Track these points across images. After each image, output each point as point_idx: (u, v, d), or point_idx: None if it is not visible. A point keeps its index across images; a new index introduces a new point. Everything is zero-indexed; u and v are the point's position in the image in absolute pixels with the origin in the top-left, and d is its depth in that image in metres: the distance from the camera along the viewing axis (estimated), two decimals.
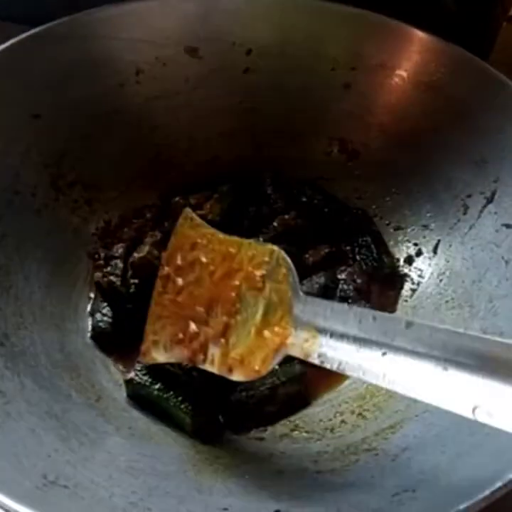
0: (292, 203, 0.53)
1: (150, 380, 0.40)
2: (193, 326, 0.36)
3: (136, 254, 0.47)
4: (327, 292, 0.48)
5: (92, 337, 0.45)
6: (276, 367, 0.42)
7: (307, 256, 0.51)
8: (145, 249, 0.47)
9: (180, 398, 0.39)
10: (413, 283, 0.50)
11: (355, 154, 0.55)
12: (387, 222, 0.53)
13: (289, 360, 0.43)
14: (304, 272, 0.49)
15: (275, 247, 0.37)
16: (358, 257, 0.52)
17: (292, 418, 0.42)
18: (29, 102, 0.47)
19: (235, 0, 0.52)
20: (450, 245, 0.48)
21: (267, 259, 0.36)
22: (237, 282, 0.35)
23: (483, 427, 0.33)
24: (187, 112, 0.54)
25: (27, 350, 0.40)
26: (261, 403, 0.41)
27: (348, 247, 0.53)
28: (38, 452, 0.32)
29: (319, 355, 0.32)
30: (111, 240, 0.50)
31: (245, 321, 0.34)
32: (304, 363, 0.43)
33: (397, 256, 0.51)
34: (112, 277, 0.46)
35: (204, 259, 0.37)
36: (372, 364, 0.30)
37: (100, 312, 0.46)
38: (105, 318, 0.45)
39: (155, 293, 0.40)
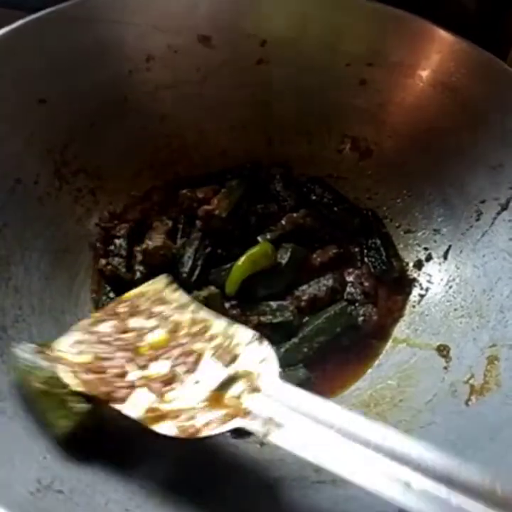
0: (302, 201, 0.52)
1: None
2: (127, 364, 0.34)
3: (150, 242, 0.46)
4: (334, 294, 0.47)
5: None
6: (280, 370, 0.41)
7: (315, 256, 0.50)
8: (160, 239, 0.46)
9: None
10: (422, 288, 0.49)
11: (368, 153, 0.53)
12: (397, 224, 0.52)
13: (294, 363, 0.43)
14: (312, 273, 0.48)
15: (264, 347, 0.36)
16: (366, 260, 0.51)
17: None
18: (35, 87, 0.46)
19: None
20: (461, 251, 0.47)
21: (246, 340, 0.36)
22: (203, 346, 0.35)
23: (489, 441, 0.33)
24: (197, 102, 0.53)
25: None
26: None
27: (356, 249, 0.52)
28: (33, 454, 0.31)
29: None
30: (114, 226, 0.49)
31: (197, 382, 0.33)
32: (308, 368, 0.42)
33: (406, 260, 0.50)
34: (115, 263, 0.46)
35: (176, 317, 0.37)
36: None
37: (107, 296, 0.46)
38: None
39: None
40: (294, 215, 0.51)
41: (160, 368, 0.34)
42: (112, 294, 0.45)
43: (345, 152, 0.54)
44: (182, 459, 0.36)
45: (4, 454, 0.30)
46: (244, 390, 0.32)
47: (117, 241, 0.47)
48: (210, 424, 0.31)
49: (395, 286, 0.49)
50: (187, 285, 0.45)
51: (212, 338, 0.36)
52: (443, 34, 0.48)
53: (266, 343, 0.36)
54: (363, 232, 0.52)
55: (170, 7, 0.50)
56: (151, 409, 0.32)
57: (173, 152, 0.53)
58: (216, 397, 0.32)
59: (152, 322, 0.37)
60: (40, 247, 0.44)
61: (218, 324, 0.37)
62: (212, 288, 0.45)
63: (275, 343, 0.43)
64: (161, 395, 0.32)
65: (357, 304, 0.47)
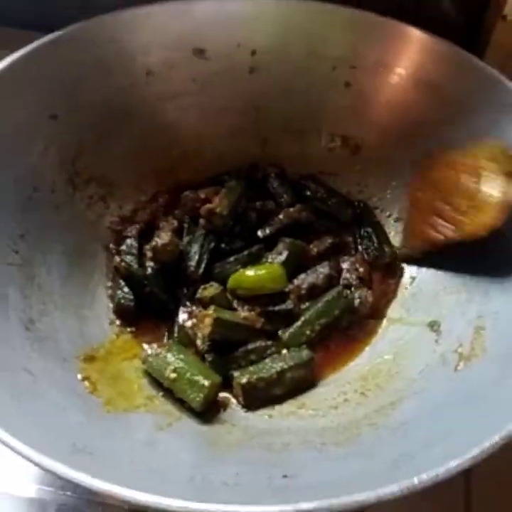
0: (297, 196, 0.56)
1: (165, 358, 0.43)
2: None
3: (158, 240, 0.49)
4: (331, 281, 0.51)
5: (115, 312, 0.48)
6: (285, 352, 0.45)
7: (312, 246, 0.53)
8: (167, 236, 0.50)
9: (195, 377, 0.41)
10: (412, 271, 0.52)
11: (356, 150, 0.57)
12: (387, 213, 0.56)
13: (298, 345, 0.46)
14: (309, 262, 0.52)
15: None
16: (360, 247, 0.55)
17: (299, 397, 0.44)
18: (47, 104, 0.50)
19: (240, 3, 0.55)
20: None
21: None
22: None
23: (475, 401, 0.37)
24: (195, 111, 0.57)
25: (50, 335, 0.43)
26: (269, 386, 0.44)
27: (350, 238, 0.55)
28: (67, 425, 0.35)
29: None
30: (124, 228, 0.53)
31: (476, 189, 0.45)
32: (311, 348, 0.46)
33: (397, 246, 0.54)
34: (128, 260, 0.49)
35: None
36: None
37: (121, 290, 0.49)
38: (127, 296, 0.49)
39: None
40: (291, 210, 0.55)
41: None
42: (125, 289, 0.49)
43: (335, 150, 0.58)
44: (196, 430, 0.40)
45: (43, 425, 0.34)
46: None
47: (128, 241, 0.51)
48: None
49: (387, 270, 0.53)
50: (194, 277, 0.49)
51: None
52: (419, 34, 0.52)
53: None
54: (356, 223, 0.56)
55: (166, 25, 0.54)
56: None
57: (174, 158, 0.57)
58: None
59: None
60: (58, 250, 0.48)
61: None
62: (216, 285, 0.48)
63: (279, 328, 0.48)
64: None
65: (353, 288, 0.51)
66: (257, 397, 0.44)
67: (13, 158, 0.47)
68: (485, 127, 0.50)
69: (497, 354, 0.40)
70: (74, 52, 0.51)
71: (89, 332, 0.46)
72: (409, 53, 0.53)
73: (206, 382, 0.41)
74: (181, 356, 0.43)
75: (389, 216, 0.55)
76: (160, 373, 0.42)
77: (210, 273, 0.51)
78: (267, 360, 0.45)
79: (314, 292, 0.50)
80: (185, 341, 0.47)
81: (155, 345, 0.44)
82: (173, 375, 0.41)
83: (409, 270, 0.52)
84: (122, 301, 0.48)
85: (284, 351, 0.46)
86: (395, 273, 0.53)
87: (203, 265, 0.50)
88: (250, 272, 0.48)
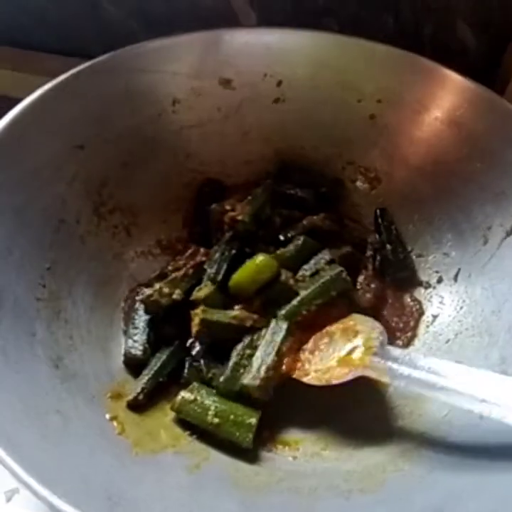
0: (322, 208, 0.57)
1: (203, 404, 0.43)
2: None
3: (146, 291, 0.49)
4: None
5: (124, 362, 0.47)
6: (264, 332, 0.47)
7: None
8: (156, 286, 0.49)
9: (239, 418, 0.42)
10: (434, 309, 0.52)
11: (379, 182, 0.57)
12: (409, 248, 0.56)
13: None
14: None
15: (377, 325, 0.47)
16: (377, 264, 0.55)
17: (322, 436, 0.45)
18: (73, 134, 0.50)
19: (267, 34, 0.55)
20: (470, 274, 0.51)
21: (363, 328, 0.46)
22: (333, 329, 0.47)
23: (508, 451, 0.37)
24: (219, 139, 0.57)
25: (78, 372, 0.43)
26: (275, 370, 0.45)
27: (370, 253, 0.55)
28: (98, 472, 0.35)
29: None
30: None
31: (333, 352, 0.45)
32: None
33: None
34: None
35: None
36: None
37: (132, 339, 0.48)
38: (137, 345, 0.47)
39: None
40: (315, 217, 0.55)
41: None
42: (135, 338, 0.48)
43: (358, 182, 0.58)
44: (225, 473, 0.40)
45: (77, 471, 0.34)
46: (364, 351, 0.44)
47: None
48: (340, 376, 0.43)
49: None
50: (213, 284, 0.49)
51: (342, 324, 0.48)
52: (448, 73, 0.52)
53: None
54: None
55: (193, 55, 0.54)
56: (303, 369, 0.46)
57: (198, 186, 0.58)
58: (345, 359, 0.44)
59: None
60: (84, 281, 0.48)
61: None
62: (210, 285, 0.49)
63: (277, 307, 0.48)
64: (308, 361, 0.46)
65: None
66: (270, 387, 0.45)
67: (40, 190, 0.47)
68: (508, 165, 0.50)
69: None
70: (102, 83, 0.51)
71: (115, 367, 0.46)
72: (437, 91, 0.53)
73: (253, 421, 0.42)
74: (214, 398, 0.43)
75: (411, 251, 0.56)
76: (201, 419, 0.42)
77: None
78: (261, 348, 0.46)
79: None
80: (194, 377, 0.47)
81: (182, 392, 0.44)
82: (216, 420, 0.42)
83: (431, 307, 0.53)
84: (132, 350, 0.47)
85: (263, 332, 0.47)
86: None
87: (222, 272, 0.50)
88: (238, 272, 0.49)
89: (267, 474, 0.41)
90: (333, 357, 0.45)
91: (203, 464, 0.41)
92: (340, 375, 0.44)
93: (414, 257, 0.55)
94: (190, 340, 0.49)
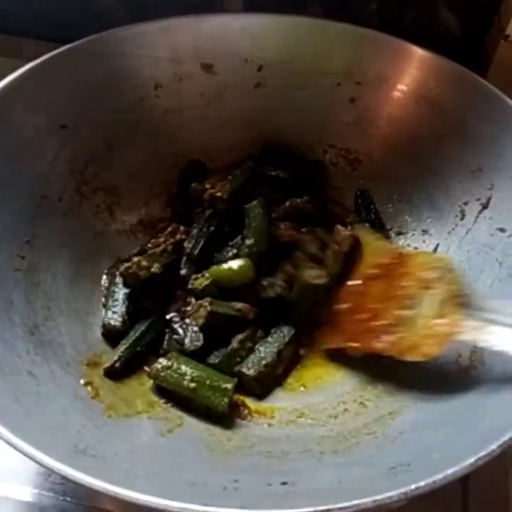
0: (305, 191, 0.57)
1: (179, 369, 0.43)
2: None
3: (125, 264, 0.49)
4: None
5: (103, 334, 0.48)
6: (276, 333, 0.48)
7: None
8: (134, 260, 0.49)
9: (215, 383, 0.43)
10: None
11: (359, 164, 0.58)
12: (389, 227, 0.56)
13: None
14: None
15: (444, 255, 0.45)
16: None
17: (298, 407, 0.45)
18: (57, 114, 0.51)
19: (248, 20, 0.56)
20: (448, 249, 0.51)
21: (437, 265, 0.44)
22: (409, 284, 0.43)
23: (474, 410, 0.37)
24: (202, 124, 0.58)
25: (55, 340, 0.43)
26: (274, 369, 0.46)
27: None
28: (69, 428, 0.35)
29: (485, 341, 0.40)
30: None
31: (417, 314, 0.42)
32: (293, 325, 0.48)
33: None
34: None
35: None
36: None
37: (111, 310, 0.48)
38: (116, 316, 0.48)
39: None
40: (298, 200, 0.55)
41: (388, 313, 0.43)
42: (115, 309, 0.48)
43: (339, 164, 0.59)
44: (197, 438, 0.41)
45: (46, 427, 0.35)
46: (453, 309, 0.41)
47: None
48: (439, 345, 0.40)
49: None
50: (192, 258, 0.50)
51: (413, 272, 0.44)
52: (421, 52, 0.53)
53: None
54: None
55: (175, 40, 0.55)
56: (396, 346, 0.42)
57: (181, 170, 0.58)
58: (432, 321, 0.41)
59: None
60: (65, 257, 0.49)
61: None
62: (207, 275, 0.49)
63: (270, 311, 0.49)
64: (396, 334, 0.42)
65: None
66: (267, 383, 0.45)
67: (24, 166, 0.48)
68: (484, 142, 0.51)
69: (495, 365, 0.40)
70: (85, 65, 0.53)
71: (93, 338, 0.47)
72: (412, 71, 0.54)
73: (229, 385, 0.42)
74: (191, 365, 0.43)
75: (390, 229, 0.56)
76: (177, 385, 0.43)
77: (209, 262, 0.51)
78: (259, 346, 0.46)
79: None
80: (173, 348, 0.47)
81: (160, 359, 0.44)
82: (192, 385, 0.42)
83: None
84: (111, 321, 0.47)
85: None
86: None
87: (199, 246, 0.51)
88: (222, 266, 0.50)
89: (240, 440, 0.41)
90: (418, 322, 0.41)
91: (175, 429, 0.41)
92: (441, 342, 0.40)
93: (393, 235, 0.56)
94: (170, 315, 0.49)
